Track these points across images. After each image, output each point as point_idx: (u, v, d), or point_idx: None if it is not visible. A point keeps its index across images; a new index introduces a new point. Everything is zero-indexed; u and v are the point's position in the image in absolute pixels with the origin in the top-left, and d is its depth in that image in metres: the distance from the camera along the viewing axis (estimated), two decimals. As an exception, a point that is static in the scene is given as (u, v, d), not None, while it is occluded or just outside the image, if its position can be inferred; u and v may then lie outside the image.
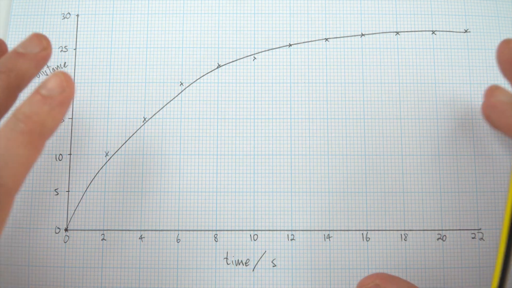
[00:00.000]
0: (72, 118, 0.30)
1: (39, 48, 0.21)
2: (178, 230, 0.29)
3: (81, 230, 0.29)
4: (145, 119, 0.30)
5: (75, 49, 0.31)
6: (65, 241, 0.28)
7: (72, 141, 0.30)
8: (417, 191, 0.29)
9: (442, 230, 0.28)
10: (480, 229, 0.28)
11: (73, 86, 0.20)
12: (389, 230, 0.28)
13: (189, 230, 0.29)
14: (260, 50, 0.31)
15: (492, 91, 0.24)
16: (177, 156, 0.29)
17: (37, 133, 0.19)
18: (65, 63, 0.30)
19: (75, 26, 0.31)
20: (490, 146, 0.29)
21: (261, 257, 0.28)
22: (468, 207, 0.28)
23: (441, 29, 0.31)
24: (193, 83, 0.30)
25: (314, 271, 0.28)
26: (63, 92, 0.20)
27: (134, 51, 0.31)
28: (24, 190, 0.29)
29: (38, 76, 0.30)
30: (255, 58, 0.31)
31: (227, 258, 0.28)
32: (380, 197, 0.29)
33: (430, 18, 0.31)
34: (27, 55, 0.21)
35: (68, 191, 0.29)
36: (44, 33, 0.31)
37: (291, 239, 0.28)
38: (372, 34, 0.31)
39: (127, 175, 0.29)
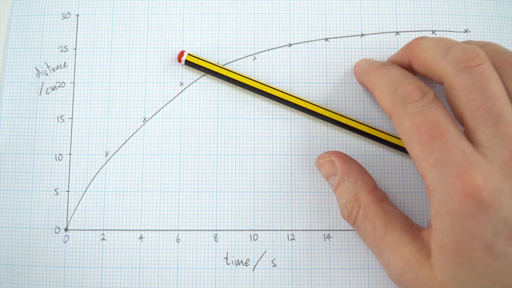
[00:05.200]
0: (72, 118, 0.30)
1: None
2: (178, 230, 0.29)
3: (81, 230, 0.29)
4: (145, 119, 0.30)
5: (75, 49, 0.31)
6: (65, 241, 0.28)
7: (72, 141, 0.30)
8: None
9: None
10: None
11: None
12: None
13: (189, 230, 0.29)
14: (260, 50, 0.31)
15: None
16: (177, 156, 0.29)
17: None
18: (65, 63, 0.31)
19: (75, 26, 0.31)
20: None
21: (261, 257, 0.28)
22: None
23: (441, 29, 0.31)
24: (193, 83, 0.30)
25: (314, 271, 0.28)
26: None
27: (134, 51, 0.31)
28: (24, 190, 0.29)
29: (38, 76, 0.30)
30: (255, 58, 0.31)
31: (227, 258, 0.28)
32: (380, 197, 0.29)
33: (430, 18, 0.31)
34: None
35: (68, 191, 0.29)
36: (44, 33, 0.31)
37: (291, 239, 0.28)
38: (372, 34, 0.31)
39: (127, 175, 0.29)
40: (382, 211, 0.24)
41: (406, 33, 0.31)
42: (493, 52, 0.22)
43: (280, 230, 0.29)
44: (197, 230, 0.29)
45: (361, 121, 0.29)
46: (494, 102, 0.20)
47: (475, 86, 0.21)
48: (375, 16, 0.31)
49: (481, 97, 0.21)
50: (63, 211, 0.29)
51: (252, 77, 0.30)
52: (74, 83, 0.30)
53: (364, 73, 0.27)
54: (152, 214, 0.29)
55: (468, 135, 0.21)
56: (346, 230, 0.28)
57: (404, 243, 0.22)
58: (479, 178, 0.19)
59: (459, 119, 0.22)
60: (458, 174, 0.20)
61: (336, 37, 0.31)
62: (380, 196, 0.25)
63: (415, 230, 0.23)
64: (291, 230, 0.29)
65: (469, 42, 0.24)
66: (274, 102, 0.30)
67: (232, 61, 0.30)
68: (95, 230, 0.29)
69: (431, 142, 0.20)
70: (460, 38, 0.31)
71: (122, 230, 0.29)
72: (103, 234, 0.29)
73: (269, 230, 0.29)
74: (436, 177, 0.20)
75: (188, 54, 0.30)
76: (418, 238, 0.22)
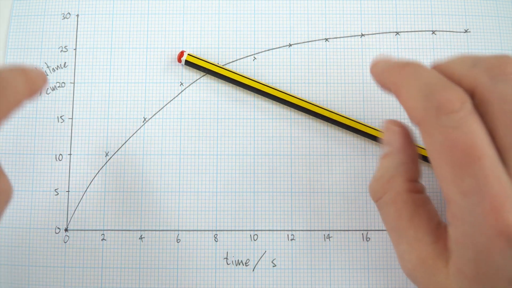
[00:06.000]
0: (72, 118, 0.30)
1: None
2: (178, 230, 0.29)
3: (81, 230, 0.29)
4: (145, 119, 0.30)
5: (75, 49, 0.31)
6: (65, 241, 0.28)
7: (72, 141, 0.30)
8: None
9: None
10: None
11: (45, 74, 0.24)
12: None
13: (189, 230, 0.29)
14: (260, 50, 0.31)
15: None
16: (177, 156, 0.29)
17: None
18: (65, 63, 0.31)
19: (75, 26, 0.31)
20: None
21: (261, 257, 0.28)
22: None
23: (441, 29, 0.31)
24: (193, 83, 0.30)
25: (314, 271, 0.28)
26: (43, 74, 0.23)
27: (134, 51, 0.31)
28: (24, 190, 0.29)
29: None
30: (255, 58, 0.31)
31: (227, 258, 0.28)
32: (380, 197, 0.29)
33: (430, 18, 0.31)
34: (38, 70, 0.23)
35: (68, 191, 0.29)
36: (44, 33, 0.31)
37: (291, 239, 0.28)
38: (372, 34, 0.31)
39: (127, 175, 0.29)
40: (413, 202, 0.21)
41: (406, 33, 0.31)
42: None
43: (280, 230, 0.29)
44: (197, 230, 0.29)
45: (361, 121, 0.29)
46: None
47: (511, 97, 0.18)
48: (375, 16, 0.31)
49: None
50: (63, 211, 0.29)
51: (252, 77, 0.30)
52: (74, 83, 0.30)
53: (386, 73, 0.22)
54: (152, 214, 0.29)
55: (501, 155, 0.18)
56: (346, 230, 0.28)
57: (426, 242, 0.21)
58: None
59: (490, 136, 0.19)
60: (492, 208, 0.17)
61: (336, 37, 0.31)
62: (417, 188, 0.22)
63: (441, 231, 0.21)
64: (291, 230, 0.29)
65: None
66: (274, 102, 0.30)
67: (232, 61, 0.30)
68: (95, 230, 0.29)
69: (466, 165, 0.18)
70: (460, 38, 0.31)
71: (122, 230, 0.29)
72: (103, 234, 0.29)
73: (269, 230, 0.29)
74: (466, 206, 0.18)
75: (188, 54, 0.30)
76: (441, 241, 0.20)
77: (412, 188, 0.22)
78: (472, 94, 0.19)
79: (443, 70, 0.21)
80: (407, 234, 0.21)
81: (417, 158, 0.23)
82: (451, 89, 0.19)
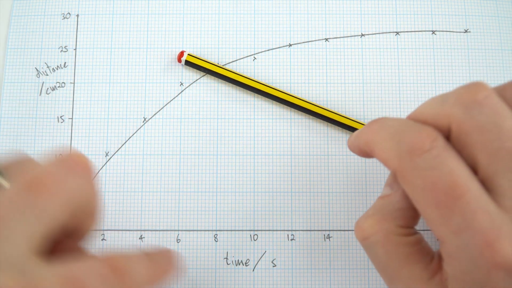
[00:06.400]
0: (72, 118, 0.30)
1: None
2: (178, 230, 0.29)
3: (81, 230, 0.29)
4: (145, 119, 0.30)
5: (75, 49, 0.31)
6: (65, 241, 0.28)
7: (72, 141, 0.30)
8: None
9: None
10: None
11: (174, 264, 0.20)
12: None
13: (189, 230, 0.29)
14: (260, 50, 0.31)
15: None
16: (177, 156, 0.29)
17: None
18: (65, 63, 0.31)
19: (75, 26, 0.31)
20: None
21: (261, 257, 0.28)
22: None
23: (441, 29, 0.31)
24: (193, 83, 0.30)
25: (314, 271, 0.28)
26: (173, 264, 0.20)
27: (134, 51, 0.31)
28: (24, 190, 0.29)
29: (38, 76, 0.30)
30: (255, 58, 0.31)
31: (227, 258, 0.28)
32: (380, 197, 0.29)
33: (430, 18, 0.31)
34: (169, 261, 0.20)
35: (68, 191, 0.29)
36: (44, 33, 0.31)
37: (291, 239, 0.28)
38: (372, 34, 0.31)
39: (127, 175, 0.29)
40: (405, 245, 0.20)
41: (406, 33, 0.31)
42: (502, 88, 0.20)
43: (280, 230, 0.29)
44: (197, 230, 0.29)
45: (361, 121, 0.29)
46: None
47: (489, 125, 0.18)
48: (375, 16, 0.31)
49: (498, 137, 0.18)
50: (63, 211, 0.29)
51: (252, 77, 0.30)
52: (74, 83, 0.30)
53: (359, 138, 0.22)
54: (152, 214, 0.29)
55: (486, 184, 0.18)
56: (346, 230, 0.28)
57: (422, 280, 0.20)
58: (509, 245, 0.17)
59: (473, 167, 0.18)
60: (485, 243, 0.17)
61: (336, 37, 0.31)
62: (409, 232, 0.21)
63: (435, 264, 0.20)
64: (291, 230, 0.29)
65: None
66: (274, 102, 0.30)
67: (232, 61, 0.30)
68: (96, 230, 0.29)
69: (451, 205, 0.17)
70: (460, 38, 0.31)
71: (122, 230, 0.29)
72: (103, 234, 0.29)
73: (269, 230, 0.29)
74: (460, 244, 0.18)
75: (188, 54, 0.30)
76: (437, 275, 0.20)
77: (403, 232, 0.21)
78: (449, 130, 0.19)
79: (416, 117, 0.20)
80: (401, 275, 0.20)
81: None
82: (419, 130, 0.19)
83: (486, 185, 0.18)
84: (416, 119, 0.20)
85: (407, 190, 0.19)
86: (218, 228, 0.29)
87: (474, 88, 0.19)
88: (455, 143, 0.19)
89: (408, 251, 0.20)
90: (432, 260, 0.20)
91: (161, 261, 0.20)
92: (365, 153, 0.22)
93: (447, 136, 0.19)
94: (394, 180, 0.21)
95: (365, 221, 0.21)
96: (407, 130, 0.19)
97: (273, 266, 0.28)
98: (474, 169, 0.18)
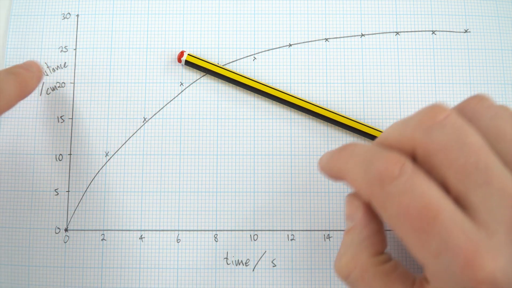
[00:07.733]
0: (72, 118, 0.30)
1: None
2: (178, 230, 0.29)
3: (81, 230, 0.29)
4: (145, 119, 0.30)
5: (75, 49, 0.31)
6: (65, 241, 0.28)
7: (72, 141, 0.30)
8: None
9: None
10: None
11: (41, 72, 0.28)
12: (389, 230, 0.28)
13: (189, 230, 0.29)
14: (260, 50, 0.31)
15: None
16: (177, 156, 0.29)
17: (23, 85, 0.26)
18: (65, 63, 0.30)
19: (75, 26, 0.31)
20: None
21: (261, 257, 0.28)
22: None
23: (441, 29, 0.31)
24: (193, 83, 0.30)
25: (314, 271, 0.28)
26: (39, 72, 0.28)
27: (134, 51, 0.31)
28: (24, 190, 0.29)
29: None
30: (255, 58, 0.31)
31: (227, 258, 0.28)
32: (380, 197, 0.29)
33: (430, 18, 0.31)
34: (32, 71, 0.27)
35: (68, 191, 0.29)
36: (44, 33, 0.31)
37: (291, 239, 0.28)
38: (372, 34, 0.31)
39: (127, 175, 0.29)
40: (382, 274, 0.21)
41: (406, 33, 0.31)
42: (461, 106, 0.20)
43: (280, 230, 0.29)
44: (197, 230, 0.29)
45: (361, 121, 0.29)
46: (478, 156, 0.18)
47: (452, 143, 0.18)
48: (375, 16, 0.31)
49: (463, 154, 0.18)
50: (63, 211, 0.29)
51: (252, 77, 0.30)
52: (74, 83, 0.30)
53: (330, 164, 0.22)
54: (152, 214, 0.29)
55: (460, 202, 0.18)
56: (346, 230, 0.28)
57: None
58: (489, 259, 0.17)
59: (445, 186, 0.19)
60: (466, 261, 0.17)
61: (336, 37, 0.31)
62: (384, 259, 0.21)
63: (418, 286, 0.20)
64: (291, 230, 0.29)
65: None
66: (274, 102, 0.30)
67: (232, 61, 0.30)
68: (95, 230, 0.29)
69: (427, 228, 0.17)
70: (460, 38, 0.31)
71: (122, 230, 0.29)
72: (103, 234, 0.29)
73: (269, 230, 0.29)
74: (441, 266, 0.18)
75: (188, 54, 0.30)
76: None
77: (378, 261, 0.21)
78: (415, 153, 0.19)
79: (382, 142, 0.21)
80: None
81: (382, 229, 0.22)
82: (386, 157, 0.19)
83: (460, 202, 0.18)
84: (383, 144, 0.20)
85: (384, 218, 0.19)
86: (218, 228, 0.29)
87: (433, 110, 0.19)
88: (423, 165, 0.19)
89: (388, 279, 0.20)
90: (413, 283, 0.20)
91: (25, 75, 0.26)
92: (337, 178, 0.22)
93: (414, 158, 0.19)
94: (353, 210, 0.22)
95: (340, 260, 0.22)
96: (376, 158, 0.19)
97: (273, 266, 0.28)
98: (447, 188, 0.18)
